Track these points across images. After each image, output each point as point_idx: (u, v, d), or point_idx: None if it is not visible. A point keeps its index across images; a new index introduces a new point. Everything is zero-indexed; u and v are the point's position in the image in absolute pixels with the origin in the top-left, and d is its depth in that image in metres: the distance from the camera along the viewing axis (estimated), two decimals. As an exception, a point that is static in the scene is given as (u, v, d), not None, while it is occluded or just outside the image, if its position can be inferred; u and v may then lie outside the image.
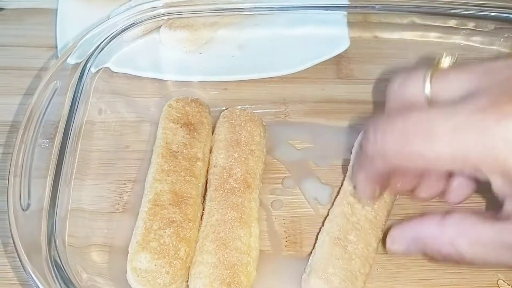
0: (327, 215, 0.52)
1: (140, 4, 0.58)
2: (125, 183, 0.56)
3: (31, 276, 0.41)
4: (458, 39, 0.61)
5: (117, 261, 0.49)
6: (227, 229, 0.49)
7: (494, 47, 0.60)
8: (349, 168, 0.54)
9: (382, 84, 0.63)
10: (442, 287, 0.51)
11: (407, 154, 0.37)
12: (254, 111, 0.60)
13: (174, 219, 0.49)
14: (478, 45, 0.61)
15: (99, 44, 0.55)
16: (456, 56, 0.39)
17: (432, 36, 0.61)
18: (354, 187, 0.50)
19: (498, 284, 0.51)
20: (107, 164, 0.56)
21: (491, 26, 0.59)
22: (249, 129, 0.56)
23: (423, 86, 0.39)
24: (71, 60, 0.53)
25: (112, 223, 0.53)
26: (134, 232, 0.49)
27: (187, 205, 0.50)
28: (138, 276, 0.46)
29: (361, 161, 0.42)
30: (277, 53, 0.64)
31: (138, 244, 0.47)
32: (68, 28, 0.65)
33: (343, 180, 0.54)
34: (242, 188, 0.51)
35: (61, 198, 0.46)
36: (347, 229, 0.49)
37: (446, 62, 0.39)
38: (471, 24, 0.59)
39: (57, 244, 0.43)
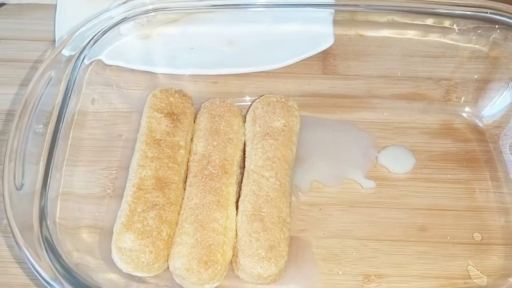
0: (239, 197, 0.54)
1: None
2: (116, 170, 0.58)
3: (24, 251, 0.44)
4: (435, 37, 0.63)
5: (107, 242, 0.51)
6: (204, 212, 0.51)
7: (470, 45, 0.63)
8: (248, 146, 0.57)
9: (364, 80, 0.66)
10: (415, 271, 0.53)
11: None
12: (242, 103, 0.63)
13: (157, 202, 0.51)
14: (454, 42, 0.63)
15: (93, 37, 0.57)
16: None
17: (412, 34, 0.64)
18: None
19: (468, 270, 0.53)
20: (100, 152, 0.59)
21: (467, 24, 0.61)
22: (228, 119, 0.58)
23: None
24: (66, 52, 0.56)
25: (103, 206, 0.56)
26: (119, 214, 0.52)
27: (169, 190, 0.52)
28: (123, 254, 0.49)
29: None
30: (264, 49, 0.66)
31: (123, 225, 0.50)
32: (66, 22, 0.68)
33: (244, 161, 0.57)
34: (220, 174, 0.54)
35: (52, 181, 0.49)
36: (259, 203, 0.52)
37: None
38: (447, 22, 0.61)
39: (48, 223, 0.46)
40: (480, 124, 0.63)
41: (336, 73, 0.67)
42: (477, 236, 0.56)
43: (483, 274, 0.53)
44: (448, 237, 0.55)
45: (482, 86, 0.64)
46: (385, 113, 0.64)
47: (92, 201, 0.55)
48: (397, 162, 0.60)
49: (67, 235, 0.49)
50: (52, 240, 0.45)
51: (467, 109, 0.64)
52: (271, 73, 0.65)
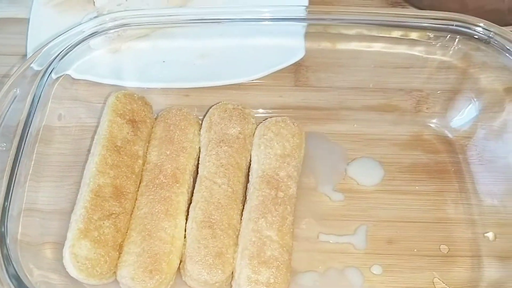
0: (190, 203, 0.54)
1: (103, 14, 0.61)
2: (86, 185, 0.58)
3: (-19, 270, 0.44)
4: (403, 49, 0.63)
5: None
6: (153, 221, 0.51)
7: (437, 57, 0.63)
8: (202, 152, 0.57)
9: (336, 92, 0.66)
10: (381, 284, 0.54)
11: None
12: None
13: (113, 211, 0.51)
14: (422, 54, 0.63)
15: (61, 52, 0.57)
16: None
17: (380, 46, 0.64)
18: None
19: (433, 282, 0.53)
20: (69, 167, 0.59)
21: (434, 37, 0.61)
22: (183, 127, 0.58)
23: None
24: (34, 67, 0.56)
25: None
26: (74, 218, 0.51)
27: (126, 200, 0.53)
28: (78, 262, 0.48)
29: None
30: (237, 62, 0.66)
31: (80, 231, 0.49)
32: (39, 37, 0.67)
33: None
34: (170, 183, 0.54)
35: (14, 198, 0.48)
36: (210, 210, 0.52)
37: None
38: (414, 35, 0.61)
39: (8, 242, 0.46)
40: (450, 135, 0.63)
41: (308, 85, 0.67)
42: (444, 248, 0.56)
43: (449, 287, 0.53)
44: (415, 250, 0.55)
45: (451, 97, 0.64)
46: (355, 125, 0.64)
47: (59, 217, 0.55)
48: (365, 174, 0.60)
49: (29, 253, 0.49)
50: (11, 260, 0.45)
51: (436, 120, 0.64)
52: (243, 86, 0.65)
